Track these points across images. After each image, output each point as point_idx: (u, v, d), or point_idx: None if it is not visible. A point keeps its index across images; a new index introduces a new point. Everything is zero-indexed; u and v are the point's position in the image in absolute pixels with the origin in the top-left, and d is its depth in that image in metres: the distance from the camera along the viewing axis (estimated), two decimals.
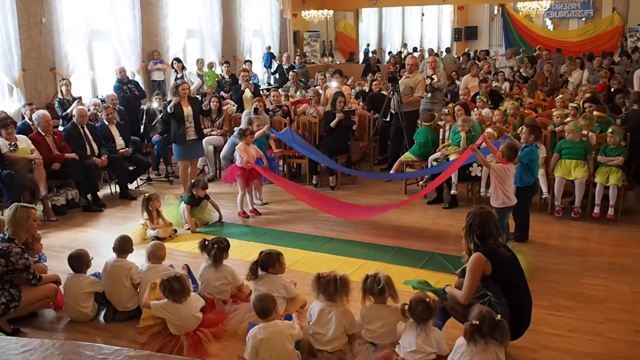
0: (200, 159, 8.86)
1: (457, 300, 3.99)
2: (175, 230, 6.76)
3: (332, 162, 8.25)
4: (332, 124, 8.74)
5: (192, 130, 7.79)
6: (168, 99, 7.94)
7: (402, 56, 18.48)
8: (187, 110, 7.72)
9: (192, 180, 7.11)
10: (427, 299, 3.78)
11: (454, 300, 4.03)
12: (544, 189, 7.14)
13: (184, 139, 7.70)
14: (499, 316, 3.46)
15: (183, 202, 6.98)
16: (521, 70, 14.97)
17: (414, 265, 5.71)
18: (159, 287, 4.40)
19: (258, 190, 7.92)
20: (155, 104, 9.42)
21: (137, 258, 5.11)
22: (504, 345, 3.53)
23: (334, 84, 10.95)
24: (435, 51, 20.05)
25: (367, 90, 11.93)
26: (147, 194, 6.71)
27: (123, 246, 4.91)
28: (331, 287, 4.03)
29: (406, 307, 3.83)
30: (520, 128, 6.93)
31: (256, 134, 7.71)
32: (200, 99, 11.82)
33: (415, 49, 22.00)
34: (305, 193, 7.63)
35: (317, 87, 11.68)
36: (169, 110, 7.64)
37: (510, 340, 3.68)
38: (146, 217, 6.60)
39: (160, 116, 9.24)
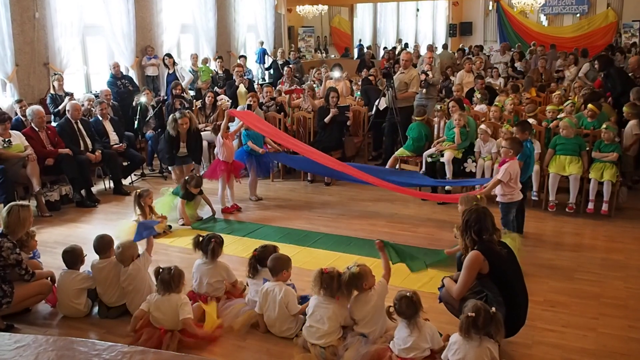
0: None
1: (451, 294, 4.01)
2: (170, 227, 6.74)
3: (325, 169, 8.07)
4: (326, 119, 8.73)
5: (183, 151, 7.82)
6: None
7: (397, 52, 18.47)
8: (183, 147, 7.72)
9: (186, 178, 7.07)
10: (409, 294, 3.78)
11: (449, 293, 4.04)
12: (535, 188, 7.14)
13: (167, 162, 7.91)
14: (493, 309, 3.47)
15: (178, 196, 6.95)
16: (516, 64, 14.98)
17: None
18: (153, 274, 4.39)
19: (252, 187, 7.91)
20: (143, 99, 9.37)
21: None
22: (498, 338, 3.54)
23: (336, 74, 10.92)
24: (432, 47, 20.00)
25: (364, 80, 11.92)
26: (138, 190, 6.67)
27: (100, 245, 4.84)
28: (335, 283, 4.06)
29: (391, 309, 3.86)
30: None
31: (232, 130, 7.72)
32: (194, 94, 11.88)
33: (406, 45, 22.02)
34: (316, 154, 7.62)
35: (310, 83, 11.66)
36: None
37: (504, 335, 3.69)
38: (139, 213, 6.57)
39: (152, 113, 9.24)
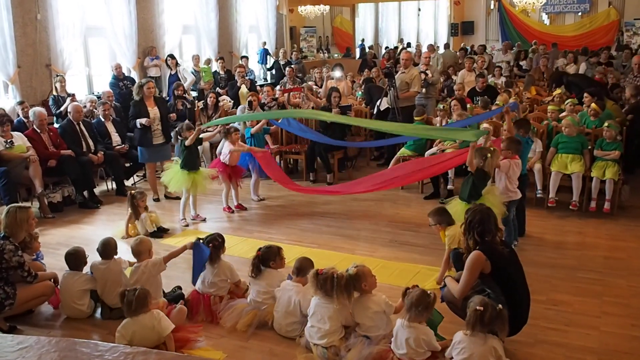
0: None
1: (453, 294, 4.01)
2: (167, 229, 6.70)
3: (333, 140, 8.17)
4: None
5: (159, 133, 7.65)
6: (134, 98, 7.66)
7: (397, 51, 18.45)
8: (154, 111, 7.55)
9: (177, 129, 7.06)
10: (429, 292, 3.79)
11: (452, 293, 4.05)
12: (539, 186, 7.14)
13: (150, 142, 7.58)
14: (500, 306, 3.47)
15: (180, 151, 6.87)
16: (522, 63, 14.93)
17: (412, 260, 5.71)
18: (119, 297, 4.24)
19: (254, 187, 7.91)
20: None
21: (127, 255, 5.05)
22: (502, 335, 3.54)
23: (337, 74, 10.92)
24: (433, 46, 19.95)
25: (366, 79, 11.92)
26: (132, 191, 6.65)
27: (106, 250, 4.83)
28: (328, 284, 4.04)
29: (408, 291, 3.85)
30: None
31: (253, 129, 7.72)
32: (196, 95, 11.88)
33: (408, 45, 22.01)
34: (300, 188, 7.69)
35: (310, 83, 11.68)
36: (138, 125, 7.48)
37: (507, 334, 3.69)
38: (129, 212, 6.52)
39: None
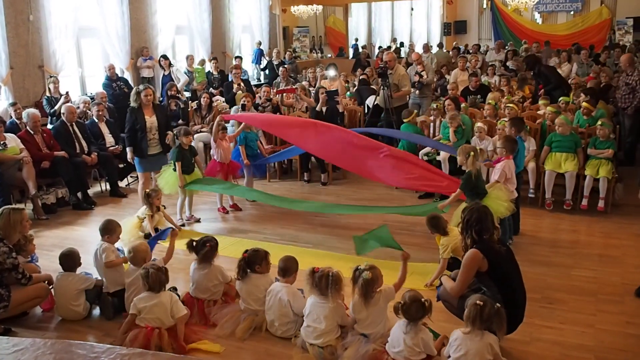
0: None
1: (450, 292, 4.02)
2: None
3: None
4: (318, 107, 8.74)
5: (156, 143, 7.17)
6: (131, 105, 7.31)
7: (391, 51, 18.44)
8: (151, 120, 7.07)
9: (174, 132, 7.03)
10: (423, 299, 3.72)
11: (448, 291, 4.05)
12: (531, 185, 7.16)
13: (144, 152, 7.10)
14: (497, 304, 3.48)
15: (173, 160, 6.85)
16: (508, 63, 14.95)
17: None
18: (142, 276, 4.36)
19: (248, 187, 7.89)
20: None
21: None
22: (500, 334, 3.54)
23: (331, 73, 10.92)
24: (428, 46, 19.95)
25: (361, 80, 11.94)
26: (147, 190, 6.61)
27: (109, 229, 5.04)
28: (323, 282, 4.03)
29: (400, 305, 3.78)
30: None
31: (231, 134, 7.70)
32: (189, 95, 11.85)
33: (402, 44, 22.02)
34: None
35: (304, 83, 11.67)
36: (128, 158, 7.21)
37: (505, 331, 3.69)
38: (148, 213, 6.43)
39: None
